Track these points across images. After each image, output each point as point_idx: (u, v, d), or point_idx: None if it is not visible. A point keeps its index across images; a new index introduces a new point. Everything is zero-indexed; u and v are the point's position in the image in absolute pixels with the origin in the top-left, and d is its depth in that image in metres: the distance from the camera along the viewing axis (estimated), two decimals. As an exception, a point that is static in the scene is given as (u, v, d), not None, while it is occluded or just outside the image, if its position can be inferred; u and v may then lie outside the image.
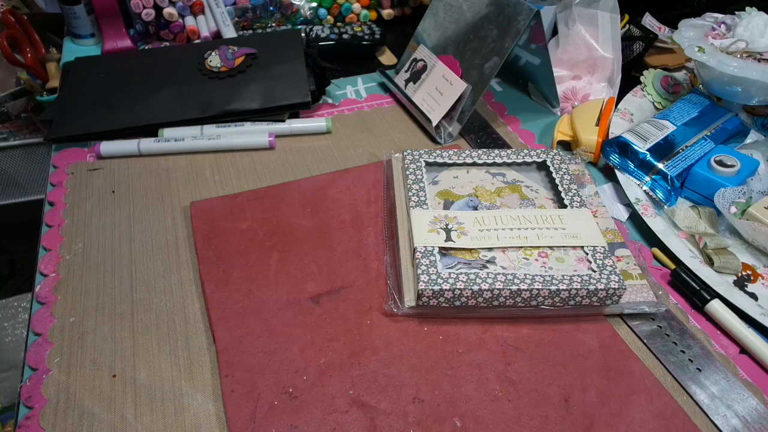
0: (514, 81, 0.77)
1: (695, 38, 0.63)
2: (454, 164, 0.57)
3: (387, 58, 0.82)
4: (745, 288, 0.49)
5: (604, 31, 0.70)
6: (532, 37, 0.64)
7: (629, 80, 0.73)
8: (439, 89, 0.65)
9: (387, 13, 0.90)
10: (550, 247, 0.48)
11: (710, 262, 0.50)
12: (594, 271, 0.45)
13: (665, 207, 0.55)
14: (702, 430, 0.39)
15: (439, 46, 0.68)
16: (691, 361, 0.44)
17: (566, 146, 0.65)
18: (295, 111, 0.66)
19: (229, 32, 0.77)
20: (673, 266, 0.50)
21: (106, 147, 0.60)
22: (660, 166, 0.56)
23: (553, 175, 0.55)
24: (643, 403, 0.40)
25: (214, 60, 0.68)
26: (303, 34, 0.78)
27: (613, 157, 0.59)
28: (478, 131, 0.67)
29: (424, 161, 0.56)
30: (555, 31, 0.75)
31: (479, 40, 0.63)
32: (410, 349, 0.43)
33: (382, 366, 0.42)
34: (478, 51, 0.63)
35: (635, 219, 0.56)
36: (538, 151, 0.58)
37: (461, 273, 0.44)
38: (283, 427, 0.38)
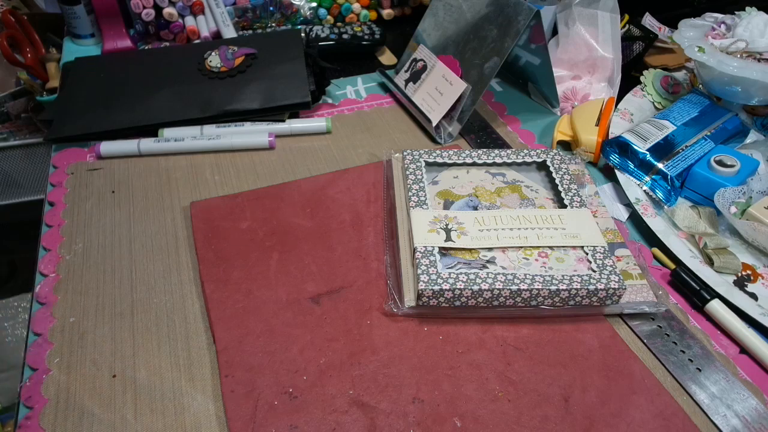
0: (514, 81, 0.77)
1: (695, 38, 0.63)
2: (454, 164, 0.57)
3: (387, 58, 0.82)
4: (745, 288, 0.49)
5: (604, 31, 0.70)
6: (532, 37, 0.64)
7: (629, 80, 0.73)
8: (439, 89, 0.65)
9: (387, 13, 0.90)
10: (550, 247, 0.48)
11: (710, 262, 0.50)
12: (594, 271, 0.45)
13: (665, 207, 0.55)
14: (702, 430, 0.39)
15: (439, 46, 0.68)
16: (691, 361, 0.44)
17: (566, 146, 0.65)
18: (295, 111, 0.66)
19: (229, 32, 0.77)
20: (673, 266, 0.50)
21: (106, 147, 0.60)
22: (660, 166, 0.56)
23: (553, 175, 0.55)
24: (643, 403, 0.40)
25: (214, 60, 0.68)
26: (303, 34, 0.78)
27: (613, 157, 0.59)
28: (478, 131, 0.67)
29: (424, 161, 0.56)
30: (555, 31, 0.75)
31: (479, 40, 0.63)
32: (410, 349, 0.43)
33: (382, 366, 0.42)
34: (478, 51, 0.63)
35: (635, 219, 0.56)
36: (538, 151, 0.58)
37: (461, 273, 0.44)
38: (283, 427, 0.38)
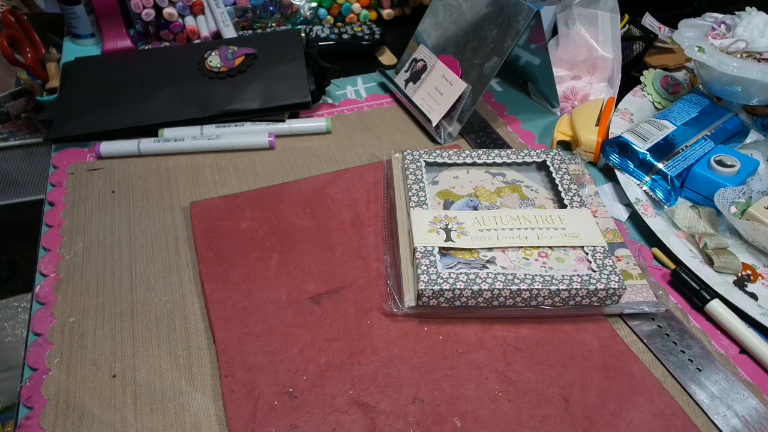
0: (514, 81, 0.77)
1: (695, 38, 0.63)
2: (454, 164, 0.57)
3: (387, 58, 0.82)
4: (745, 288, 0.49)
5: (604, 31, 0.70)
6: (532, 37, 0.64)
7: (629, 80, 0.73)
8: (439, 89, 0.65)
9: (387, 13, 0.90)
10: (550, 247, 0.48)
11: (710, 262, 0.50)
12: (594, 271, 0.45)
13: (665, 207, 0.55)
14: (702, 430, 0.39)
15: (439, 46, 0.68)
16: (691, 361, 0.44)
17: (566, 146, 0.65)
18: (295, 111, 0.66)
19: (229, 32, 0.77)
20: (673, 266, 0.50)
21: (106, 147, 0.60)
22: (660, 166, 0.56)
23: (553, 175, 0.55)
24: (643, 403, 0.40)
25: (214, 60, 0.68)
26: (303, 34, 0.78)
27: (613, 157, 0.59)
28: (478, 131, 0.67)
29: (424, 161, 0.56)
30: (555, 31, 0.75)
31: (479, 40, 0.63)
32: (410, 349, 0.43)
33: (382, 366, 0.42)
34: (478, 51, 0.63)
35: (635, 219, 0.56)
36: (538, 151, 0.58)
37: (461, 273, 0.44)
38: (283, 427, 0.38)
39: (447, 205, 0.52)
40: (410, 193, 0.52)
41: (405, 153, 0.57)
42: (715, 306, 0.46)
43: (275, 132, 0.64)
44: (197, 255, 0.49)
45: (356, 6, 0.87)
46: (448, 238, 0.47)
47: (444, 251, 0.47)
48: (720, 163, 0.55)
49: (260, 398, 0.39)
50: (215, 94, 0.65)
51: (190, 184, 0.58)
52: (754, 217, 0.51)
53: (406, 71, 0.70)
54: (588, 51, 0.71)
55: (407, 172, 0.54)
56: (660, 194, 0.56)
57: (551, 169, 0.56)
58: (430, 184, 0.55)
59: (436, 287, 0.43)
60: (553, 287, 0.43)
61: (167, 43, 0.79)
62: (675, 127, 0.60)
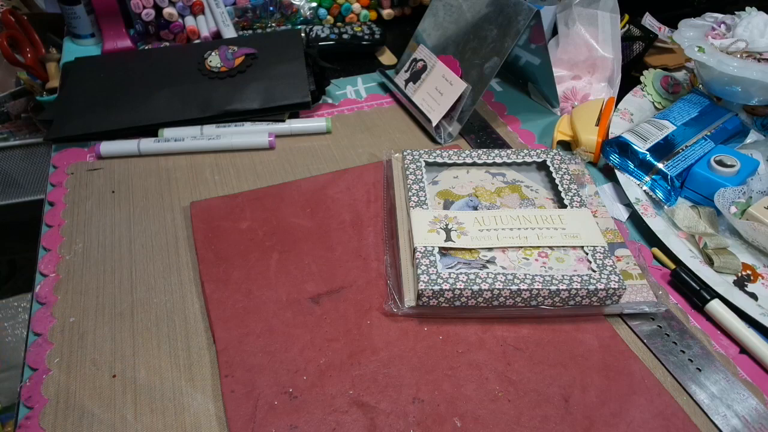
0: (514, 81, 0.77)
1: (695, 38, 0.63)
2: (454, 164, 0.57)
3: (387, 58, 0.82)
4: (745, 288, 0.49)
5: (604, 31, 0.70)
6: (532, 37, 0.64)
7: (629, 80, 0.73)
8: (439, 89, 0.65)
9: (387, 13, 0.90)
10: (550, 247, 0.48)
11: (710, 262, 0.50)
12: (594, 271, 0.45)
13: (665, 207, 0.55)
14: (702, 430, 0.39)
15: (439, 46, 0.68)
16: (691, 361, 0.44)
17: (566, 146, 0.65)
18: (295, 111, 0.66)
19: (229, 32, 0.77)
20: (673, 266, 0.50)
21: (106, 147, 0.60)
22: (660, 166, 0.56)
23: (553, 175, 0.55)
24: (643, 403, 0.40)
25: (214, 60, 0.68)
26: (303, 34, 0.78)
27: (613, 157, 0.59)
28: (478, 131, 0.67)
29: (424, 161, 0.56)
30: (555, 31, 0.75)
31: (479, 40, 0.63)
32: (410, 349, 0.43)
33: (382, 366, 0.42)
34: (478, 51, 0.63)
35: (635, 219, 0.56)
36: (538, 151, 0.58)
37: (461, 273, 0.44)
38: (283, 427, 0.38)
39: (447, 205, 0.52)
40: (410, 193, 0.52)
41: (405, 153, 0.57)
42: (715, 306, 0.46)
43: (275, 132, 0.64)
44: (197, 255, 0.49)
45: (356, 6, 0.87)
46: (448, 238, 0.47)
47: (444, 251, 0.47)
48: (720, 163, 0.55)
49: (260, 398, 0.39)
50: (215, 94, 0.65)
51: (190, 184, 0.58)
52: (754, 217, 0.51)
53: (406, 71, 0.70)
54: (588, 51, 0.71)
55: (407, 172, 0.54)
56: (660, 194, 0.56)
57: (551, 169, 0.56)
58: (430, 184, 0.55)
59: (436, 287, 0.43)
60: (553, 287, 0.43)
61: (167, 43, 0.79)
62: (675, 127, 0.60)
